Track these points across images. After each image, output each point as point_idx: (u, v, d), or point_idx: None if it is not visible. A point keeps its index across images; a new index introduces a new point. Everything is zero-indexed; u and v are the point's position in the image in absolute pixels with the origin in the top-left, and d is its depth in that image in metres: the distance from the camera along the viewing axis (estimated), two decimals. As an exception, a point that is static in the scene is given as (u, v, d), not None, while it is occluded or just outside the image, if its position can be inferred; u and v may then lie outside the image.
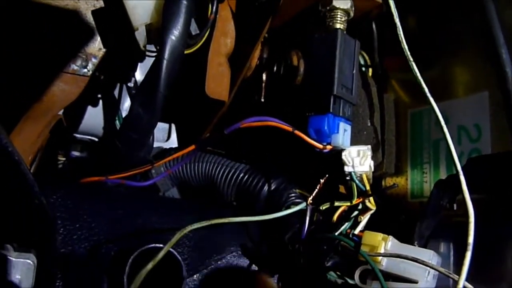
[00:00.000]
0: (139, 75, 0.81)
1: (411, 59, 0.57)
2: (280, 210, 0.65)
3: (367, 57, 0.81)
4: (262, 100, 0.80)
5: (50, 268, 0.49)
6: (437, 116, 0.55)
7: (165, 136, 0.92)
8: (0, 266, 0.45)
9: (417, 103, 0.75)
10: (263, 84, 0.80)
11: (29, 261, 0.46)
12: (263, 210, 0.70)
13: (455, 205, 0.59)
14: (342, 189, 0.71)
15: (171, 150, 0.80)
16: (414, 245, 0.58)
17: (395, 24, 0.60)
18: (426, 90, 0.55)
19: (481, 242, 0.48)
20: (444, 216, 0.61)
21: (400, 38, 0.59)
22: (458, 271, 0.50)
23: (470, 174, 0.53)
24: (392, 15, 0.60)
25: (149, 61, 0.75)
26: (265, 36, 0.75)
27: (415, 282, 0.54)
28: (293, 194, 0.70)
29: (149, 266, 0.44)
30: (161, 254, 0.48)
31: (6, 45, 0.66)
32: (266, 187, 0.70)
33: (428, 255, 0.55)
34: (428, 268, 0.53)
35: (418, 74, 0.56)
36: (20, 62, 0.66)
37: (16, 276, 0.45)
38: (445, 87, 0.71)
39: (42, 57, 0.67)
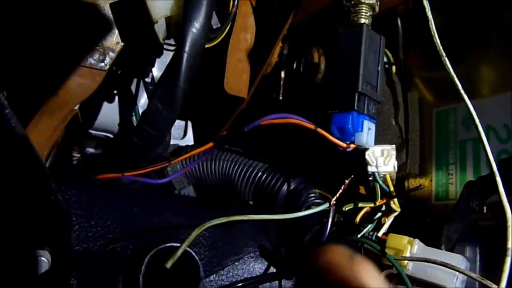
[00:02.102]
0: (156, 71, 0.80)
1: (444, 53, 0.55)
2: (299, 210, 0.63)
3: (390, 54, 0.79)
4: (281, 97, 0.79)
5: (65, 266, 0.48)
6: (469, 111, 0.52)
7: (181, 134, 0.91)
8: (15, 263, 0.44)
9: (442, 101, 0.73)
10: (282, 81, 0.78)
11: (43, 258, 0.45)
12: (281, 211, 0.68)
13: (485, 208, 0.56)
14: (362, 189, 0.69)
15: (188, 148, 0.79)
16: (441, 249, 0.56)
17: (426, 18, 0.58)
18: (459, 85, 0.53)
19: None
20: (471, 219, 0.59)
21: (432, 32, 0.57)
22: (486, 276, 0.48)
23: (503, 175, 0.51)
24: (424, 9, 0.58)
25: (167, 57, 0.74)
26: (285, 32, 0.73)
27: (442, 287, 0.52)
28: (312, 194, 0.69)
29: (170, 263, 0.43)
30: (179, 252, 0.47)
31: (23, 38, 0.65)
32: (285, 187, 0.69)
33: (457, 259, 0.53)
34: (456, 273, 0.51)
35: (451, 70, 0.54)
36: (37, 55, 0.66)
37: (30, 273, 0.44)
38: (472, 86, 0.69)
39: (59, 50, 0.66)
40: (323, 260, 0.36)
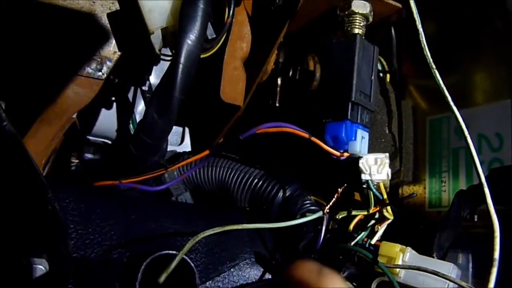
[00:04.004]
0: (153, 79, 0.81)
1: (434, 66, 0.56)
2: (295, 217, 0.64)
3: (384, 63, 0.79)
4: (277, 105, 0.79)
5: (62, 274, 0.48)
6: (459, 124, 0.53)
7: (178, 140, 0.91)
8: (12, 271, 0.44)
9: (436, 110, 0.73)
10: (278, 89, 0.79)
11: (41, 266, 0.45)
12: (277, 217, 0.69)
13: (476, 217, 0.57)
14: (357, 196, 0.70)
15: (185, 154, 0.80)
16: (433, 257, 0.56)
17: (416, 29, 0.58)
18: (449, 97, 0.53)
19: (502, 255, 0.46)
20: (463, 227, 0.60)
21: (422, 44, 0.58)
22: (478, 283, 0.48)
23: (493, 184, 0.51)
24: (414, 21, 0.59)
25: (164, 65, 0.74)
26: (281, 40, 0.74)
27: (434, 295, 0.53)
28: (307, 201, 0.69)
29: (163, 277, 0.44)
30: (175, 262, 0.47)
31: (20, 47, 0.66)
32: (280, 194, 0.69)
33: (448, 268, 0.53)
34: (448, 281, 0.52)
35: (441, 81, 0.55)
36: (35, 64, 0.66)
37: (28, 281, 0.44)
38: (465, 94, 0.69)
39: (56, 59, 0.66)
40: (293, 276, 0.38)
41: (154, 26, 0.57)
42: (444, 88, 0.54)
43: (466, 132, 0.51)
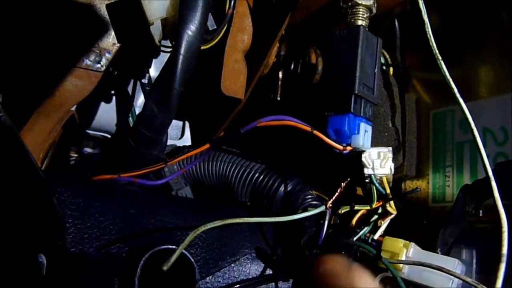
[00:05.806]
0: (153, 71, 0.80)
1: (440, 57, 0.55)
2: (296, 212, 0.64)
3: (388, 56, 0.78)
4: (278, 98, 0.78)
5: (60, 269, 0.48)
6: (465, 116, 0.52)
7: (178, 134, 0.91)
8: (10, 266, 0.44)
9: (439, 103, 0.73)
10: (280, 82, 0.78)
11: (39, 260, 0.45)
12: (278, 212, 0.68)
13: (481, 211, 0.56)
14: (359, 191, 0.69)
15: (185, 148, 0.79)
16: (437, 252, 0.56)
17: (422, 20, 0.57)
18: (455, 89, 0.52)
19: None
20: (467, 222, 0.59)
21: (428, 35, 0.57)
22: (482, 279, 0.48)
23: (499, 179, 0.50)
24: (420, 11, 0.58)
25: (163, 57, 0.74)
26: (282, 33, 0.73)
27: (437, 291, 0.52)
28: (309, 196, 0.69)
29: (163, 271, 0.43)
30: (174, 257, 0.46)
31: (18, 39, 0.65)
32: (282, 188, 0.69)
33: (453, 263, 0.53)
34: (452, 277, 0.51)
35: (447, 73, 0.54)
36: (33, 56, 0.65)
37: (27, 276, 0.44)
38: (470, 87, 0.69)
39: (54, 51, 0.65)
40: (322, 270, 0.38)
41: (154, 16, 0.56)
42: (450, 80, 0.53)
43: (473, 125, 0.50)
